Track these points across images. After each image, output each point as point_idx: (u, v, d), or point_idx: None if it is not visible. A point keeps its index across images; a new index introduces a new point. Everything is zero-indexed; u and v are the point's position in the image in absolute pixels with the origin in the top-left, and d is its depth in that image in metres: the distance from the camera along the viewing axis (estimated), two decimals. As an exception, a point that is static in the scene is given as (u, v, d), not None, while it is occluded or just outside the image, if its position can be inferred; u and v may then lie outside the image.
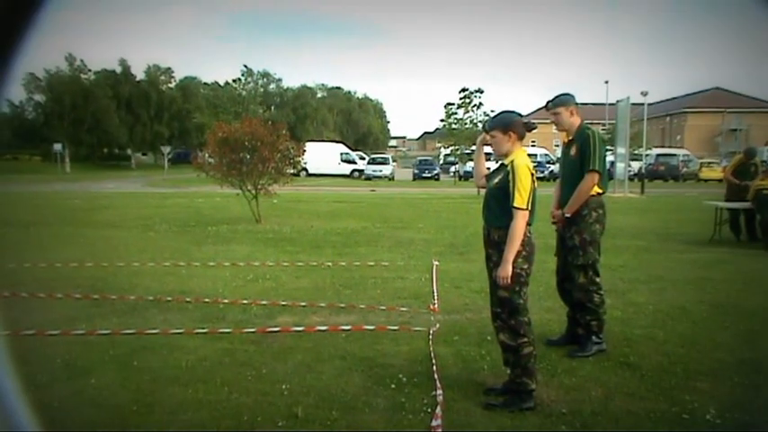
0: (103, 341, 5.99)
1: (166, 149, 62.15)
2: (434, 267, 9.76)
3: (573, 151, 5.81)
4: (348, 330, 6.34)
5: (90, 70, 71.92)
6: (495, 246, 4.50)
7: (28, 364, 5.23)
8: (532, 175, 4.43)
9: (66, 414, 4.27)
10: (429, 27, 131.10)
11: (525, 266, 4.42)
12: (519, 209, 4.31)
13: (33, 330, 6.17)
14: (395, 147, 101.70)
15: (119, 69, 73.67)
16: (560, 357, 5.56)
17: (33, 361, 5.33)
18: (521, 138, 4.55)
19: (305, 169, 37.63)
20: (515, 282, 4.37)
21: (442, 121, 36.74)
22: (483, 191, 4.82)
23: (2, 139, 72.56)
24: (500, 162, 4.62)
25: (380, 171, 52.14)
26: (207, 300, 7.65)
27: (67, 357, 5.41)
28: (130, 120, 71.17)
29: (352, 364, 5.36)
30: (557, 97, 5.89)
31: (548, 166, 47.32)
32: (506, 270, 4.31)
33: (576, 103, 5.93)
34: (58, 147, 58.39)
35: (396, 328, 6.45)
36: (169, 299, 7.71)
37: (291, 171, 18.63)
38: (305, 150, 18.84)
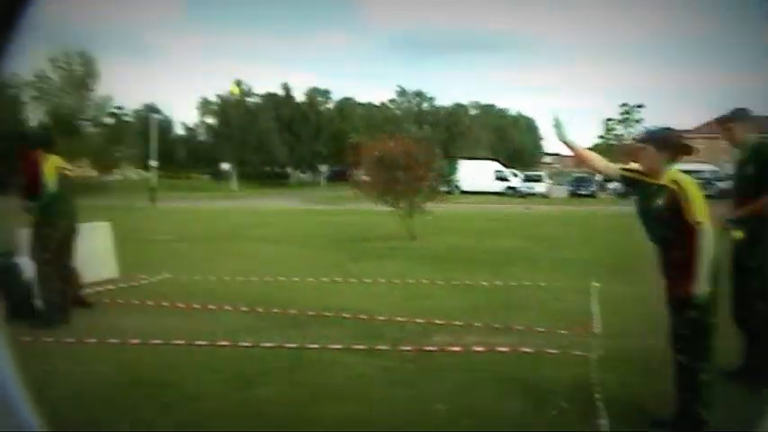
0: (268, 354, 6.24)
1: (323, 168, 64.35)
2: (594, 289, 9.42)
3: (750, 169, 5.41)
4: (506, 352, 6.23)
5: (256, 94, 76.18)
6: (673, 266, 4.26)
7: (201, 374, 5.56)
8: None
9: (233, 425, 4.47)
10: (586, 41, 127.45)
11: (712, 284, 4.16)
12: (703, 223, 4.06)
13: (205, 341, 6.54)
14: (549, 163, 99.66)
15: (281, 92, 77.50)
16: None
17: (206, 370, 5.65)
18: (673, 158, 4.28)
19: (458, 187, 37.61)
20: (707, 300, 4.11)
21: (600, 137, 35.63)
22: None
23: (178, 160, 78.07)
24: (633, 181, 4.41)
25: (534, 188, 51.24)
26: (364, 316, 7.79)
27: (236, 368, 5.68)
28: (291, 140, 74.42)
29: (511, 387, 5.25)
30: (732, 111, 5.53)
31: (715, 183, 44.57)
32: (700, 287, 4.06)
33: (753, 117, 5.54)
34: (225, 166, 61.95)
35: (555, 351, 6.27)
36: (328, 314, 7.92)
37: (445, 189, 18.73)
38: (459, 167, 18.89)
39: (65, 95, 56.81)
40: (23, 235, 8.61)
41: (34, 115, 54.88)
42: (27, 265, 7.84)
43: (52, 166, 7.61)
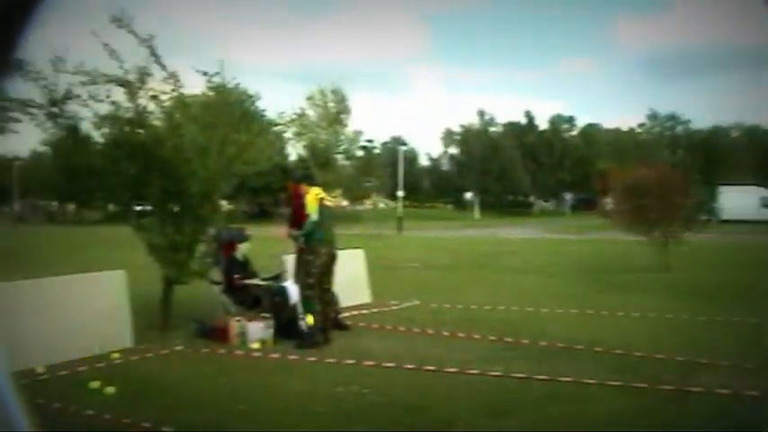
0: (518, 384, 6.14)
1: (568, 196, 62.95)
2: None
3: None
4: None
5: (498, 123, 76.89)
6: None
7: (453, 400, 5.61)
8: None
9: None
10: None
11: None
12: None
13: (456, 368, 6.60)
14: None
15: (524, 121, 77.38)
16: None
17: (458, 397, 5.69)
18: None
19: (717, 215, 34.72)
20: None
21: None
22: None
23: (422, 189, 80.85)
24: None
25: (810, 217, 45.88)
26: (619, 351, 7.40)
27: (488, 397, 5.66)
28: (534, 168, 73.86)
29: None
30: None
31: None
32: None
33: None
34: (468, 195, 62.93)
35: None
36: (579, 347, 7.64)
37: (704, 218, 17.42)
38: (719, 194, 17.51)
39: (320, 131, 61.38)
40: (289, 261, 9.36)
41: (294, 150, 59.83)
42: (293, 289, 8.48)
43: (314, 197, 8.18)
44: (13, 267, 14.98)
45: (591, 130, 79.66)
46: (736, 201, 45.07)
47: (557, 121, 78.73)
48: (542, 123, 78.34)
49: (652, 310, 10.19)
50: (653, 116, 79.59)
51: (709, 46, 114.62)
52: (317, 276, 8.06)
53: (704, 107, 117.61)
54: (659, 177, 15.93)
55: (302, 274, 8.15)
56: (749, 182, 57.09)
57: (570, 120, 79.77)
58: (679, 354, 7.22)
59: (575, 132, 79.85)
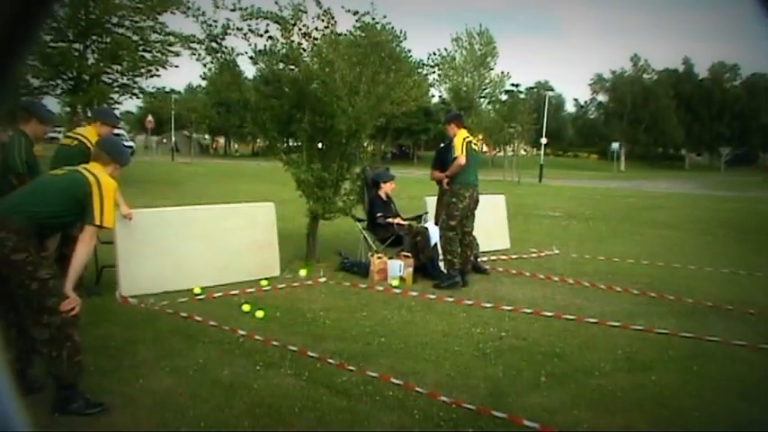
0: (661, 340, 5.95)
1: (725, 150, 59.24)
2: None
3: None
4: None
5: (653, 70, 72.88)
6: None
7: (592, 350, 5.53)
8: None
9: (626, 405, 4.36)
10: None
11: None
12: None
13: (596, 319, 6.49)
14: None
15: (681, 68, 72.92)
16: None
17: (597, 348, 5.60)
18: None
19: None
20: None
21: None
22: None
23: (566, 137, 78.50)
24: None
25: None
26: (774, 314, 7.01)
27: (628, 350, 5.53)
28: (689, 119, 69.78)
29: None
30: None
31: None
32: None
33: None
34: (615, 145, 60.55)
35: None
36: (729, 307, 7.28)
37: None
38: None
39: (465, 74, 60.65)
40: (430, 202, 9.45)
41: (437, 92, 59.61)
42: (433, 230, 8.57)
43: (461, 140, 8.15)
44: (171, 195, 16.01)
45: (757, 81, 73.83)
46: None
47: (718, 69, 73.56)
48: (702, 72, 73.55)
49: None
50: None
51: None
52: (459, 219, 8.09)
53: None
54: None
55: (445, 215, 8.20)
56: None
57: (734, 68, 74.29)
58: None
59: (737, 82, 74.34)
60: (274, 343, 5.31)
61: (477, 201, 8.32)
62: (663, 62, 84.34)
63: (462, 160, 8.00)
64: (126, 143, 56.34)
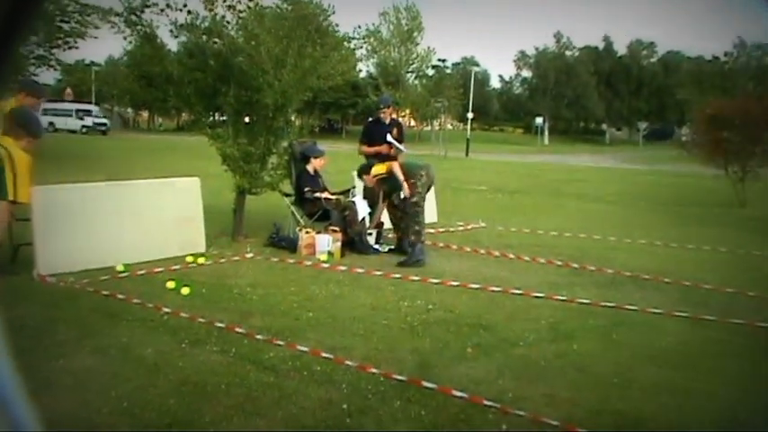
0: (583, 309, 6.14)
1: (642, 125, 61.18)
2: None
3: None
4: None
5: (575, 47, 74.40)
6: None
7: (517, 321, 5.67)
8: None
9: (549, 374, 4.49)
10: None
11: None
12: None
13: (521, 290, 6.64)
14: None
15: (601, 45, 74.66)
16: None
17: (521, 318, 5.75)
18: None
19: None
20: None
21: None
22: None
23: (492, 112, 79.58)
24: None
25: None
26: (687, 282, 7.32)
27: (551, 320, 5.69)
28: (609, 95, 71.67)
29: None
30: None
31: None
32: None
33: None
34: (539, 120, 61.73)
35: None
36: (647, 277, 7.57)
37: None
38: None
39: (392, 48, 60.61)
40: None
41: (365, 67, 59.45)
42: (361, 204, 8.58)
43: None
44: (93, 170, 15.52)
45: (672, 58, 76.34)
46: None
47: (636, 47, 75.65)
48: (621, 49, 75.52)
49: (724, 245, 9.98)
50: (740, 45, 75.55)
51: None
52: (421, 195, 8.19)
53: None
54: (742, 109, 15.26)
55: (371, 190, 8.26)
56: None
57: (650, 46, 76.57)
58: (750, 289, 7.09)
59: (654, 60, 76.68)
60: (200, 320, 5.24)
61: (434, 177, 8.49)
62: (584, 40, 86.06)
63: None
64: (98, 120, 53.96)
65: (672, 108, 71.45)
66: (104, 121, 54.33)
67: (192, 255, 7.61)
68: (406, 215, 8.24)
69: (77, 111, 52.37)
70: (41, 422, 1.16)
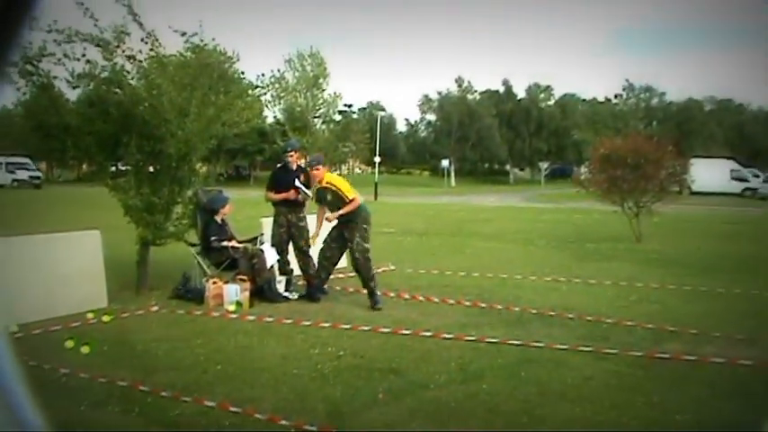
0: (491, 349, 6.25)
1: (544, 165, 63.37)
2: None
3: None
4: (750, 366, 5.73)
5: (476, 90, 76.76)
6: None
7: (427, 363, 5.70)
8: None
9: (460, 415, 4.53)
10: None
11: None
12: None
13: (431, 332, 6.70)
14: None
15: (502, 89, 77.36)
16: None
17: (432, 361, 5.79)
18: None
19: (689, 187, 35.10)
20: None
21: None
22: None
23: (399, 156, 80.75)
24: None
25: (780, 190, 46.68)
26: (590, 318, 7.56)
27: (461, 361, 5.76)
28: (511, 136, 74.03)
29: (758, 406, 4.82)
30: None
31: None
32: None
33: None
34: (445, 162, 62.96)
35: (809, 369, 5.66)
36: (552, 313, 7.78)
37: (676, 189, 17.64)
38: (690, 166, 17.80)
39: (298, 94, 60.85)
40: (266, 224, 9.37)
41: (271, 113, 59.42)
42: (270, 252, 8.51)
43: (342, 180, 8.62)
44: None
45: (568, 100, 79.81)
46: (707, 173, 45.38)
47: (534, 89, 78.73)
48: (520, 92, 78.41)
49: (623, 279, 10.37)
50: (629, 87, 79.75)
51: (685, 21, 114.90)
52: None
53: (679, 80, 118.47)
54: (634, 148, 16.06)
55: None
56: (720, 155, 57.76)
57: (547, 89, 79.83)
58: (648, 321, 7.39)
59: (551, 102, 79.94)
60: (101, 379, 5.04)
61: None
62: (485, 83, 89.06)
63: (359, 200, 8.36)
64: (33, 173, 51.15)
65: (570, 148, 74.43)
66: (38, 174, 52.25)
67: (93, 311, 7.33)
68: (360, 265, 8.21)
69: (7, 164, 50.08)
70: (47, 423, 1.17)
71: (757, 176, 52.01)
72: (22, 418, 1.17)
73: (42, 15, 7.50)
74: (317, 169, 8.58)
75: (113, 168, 9.02)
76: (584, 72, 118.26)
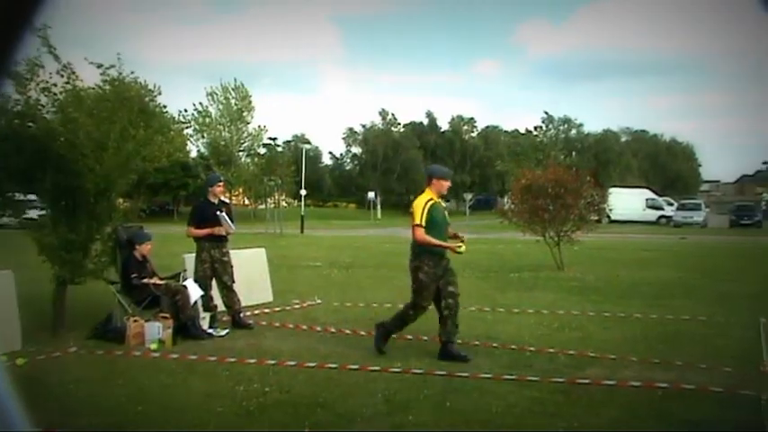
0: (417, 380, 6.29)
1: (468, 196, 64.34)
2: (763, 325, 8.80)
3: None
4: (665, 388, 5.93)
5: (399, 123, 77.71)
6: None
7: (354, 397, 5.69)
8: None
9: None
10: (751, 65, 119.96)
11: None
12: None
13: (357, 365, 6.69)
14: (707, 191, 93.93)
15: (426, 121, 78.54)
16: None
17: (359, 394, 5.77)
18: None
19: (608, 216, 36.32)
20: None
21: (765, 163, 33.30)
22: None
23: (325, 188, 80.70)
24: None
25: (691, 218, 48.69)
26: (513, 346, 7.69)
27: (387, 393, 5.77)
28: (435, 168, 75.07)
29: (673, 426, 5.00)
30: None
31: None
32: None
33: None
34: (371, 195, 63.24)
35: (720, 389, 5.90)
36: (477, 343, 7.89)
37: (595, 218, 18.20)
38: (608, 196, 18.43)
39: (222, 128, 60.35)
40: (189, 260, 9.22)
41: (195, 147, 58.72)
42: (193, 288, 8.36)
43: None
44: None
45: (491, 132, 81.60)
46: (624, 202, 47.12)
47: (457, 121, 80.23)
48: (444, 124, 79.76)
49: (545, 307, 10.60)
50: (548, 119, 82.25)
51: (602, 53, 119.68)
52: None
53: (596, 112, 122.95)
54: (554, 178, 16.52)
55: (201, 272, 8.11)
56: (636, 184, 60.07)
57: (471, 120, 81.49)
58: (569, 348, 7.57)
59: (474, 134, 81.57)
60: (15, 429, 4.82)
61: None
62: (408, 116, 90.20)
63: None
64: None
65: (494, 178, 75.99)
66: None
67: (5, 354, 7.02)
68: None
69: None
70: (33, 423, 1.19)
71: (671, 204, 54.18)
72: (8, 419, 1.20)
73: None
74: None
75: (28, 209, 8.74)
76: (507, 104, 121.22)
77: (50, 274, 8.25)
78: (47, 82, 7.95)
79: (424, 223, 7.21)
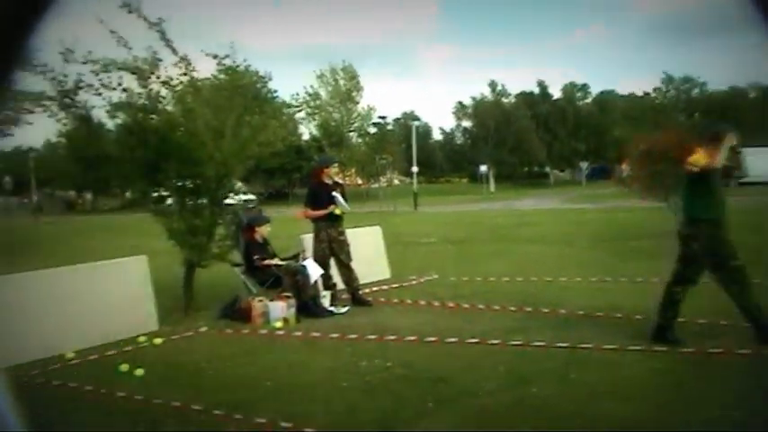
0: (539, 352, 6.20)
1: (584, 165, 62.67)
2: None
3: None
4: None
5: (510, 94, 76.37)
6: None
7: (475, 370, 5.68)
8: None
9: (510, 421, 4.50)
10: None
11: None
12: None
13: (477, 339, 6.67)
14: None
15: (537, 90, 76.77)
16: None
17: (480, 367, 5.76)
18: None
19: (740, 177, 34.27)
20: None
21: None
22: None
23: (437, 164, 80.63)
24: None
25: None
26: (639, 317, 7.44)
27: (509, 366, 5.72)
28: (548, 138, 73.33)
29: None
30: None
31: None
32: None
33: None
34: (483, 168, 62.70)
35: None
36: (599, 314, 7.69)
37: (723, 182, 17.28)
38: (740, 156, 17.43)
39: (332, 110, 61.33)
40: (307, 240, 9.44)
41: (307, 129, 59.98)
42: (312, 268, 8.57)
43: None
44: (37, 258, 15.18)
45: (605, 98, 78.78)
46: (755, 162, 44.19)
47: (570, 89, 78.02)
48: (556, 92, 77.75)
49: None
50: (668, 80, 78.49)
51: (721, 6, 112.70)
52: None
53: (720, 68, 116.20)
54: (675, 142, 15.79)
55: (320, 251, 8.32)
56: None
57: (584, 87, 79.07)
58: (700, 317, 7.25)
59: (589, 100, 79.06)
60: (156, 401, 5.13)
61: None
62: (519, 86, 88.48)
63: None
64: None
65: (610, 146, 73.52)
66: None
67: (144, 334, 7.47)
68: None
69: None
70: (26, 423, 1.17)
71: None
72: (2, 423, 1.17)
73: (77, 47, 7.71)
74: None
75: (155, 194, 9.19)
76: (621, 68, 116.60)
77: (180, 258, 8.68)
78: (166, 75, 8.30)
79: None
